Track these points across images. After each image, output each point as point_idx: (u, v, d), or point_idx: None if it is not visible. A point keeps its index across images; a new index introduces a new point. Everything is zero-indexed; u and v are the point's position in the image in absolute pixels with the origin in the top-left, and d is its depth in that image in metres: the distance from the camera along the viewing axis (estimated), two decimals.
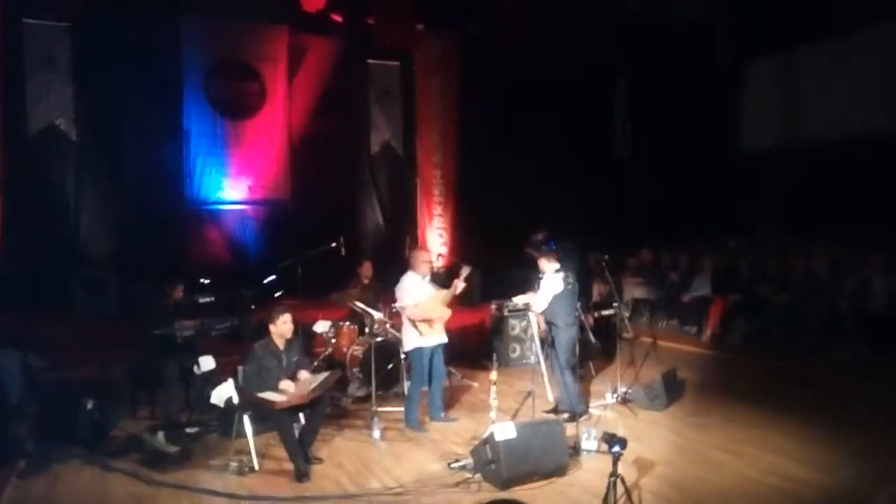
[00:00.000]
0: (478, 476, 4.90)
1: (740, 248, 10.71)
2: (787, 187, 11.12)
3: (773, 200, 11.29)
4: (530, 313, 6.37)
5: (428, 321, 6.03)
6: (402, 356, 6.67)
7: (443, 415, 6.31)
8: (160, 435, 5.61)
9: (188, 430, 5.96)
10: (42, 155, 10.29)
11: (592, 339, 7.46)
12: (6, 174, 9.87)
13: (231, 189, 11.97)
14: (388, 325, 7.12)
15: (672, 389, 6.68)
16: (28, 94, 10.23)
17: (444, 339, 6.19)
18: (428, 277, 6.21)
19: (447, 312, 6.16)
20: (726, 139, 12.46)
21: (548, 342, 6.27)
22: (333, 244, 7.85)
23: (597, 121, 13.43)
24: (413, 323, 6.02)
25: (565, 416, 6.00)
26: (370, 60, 12.78)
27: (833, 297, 8.44)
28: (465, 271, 6.04)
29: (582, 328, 6.59)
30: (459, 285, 6.02)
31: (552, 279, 6.13)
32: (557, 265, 6.19)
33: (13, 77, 10.05)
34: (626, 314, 8.69)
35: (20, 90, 10.17)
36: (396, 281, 6.18)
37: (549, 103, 12.17)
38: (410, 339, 6.09)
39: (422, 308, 6.01)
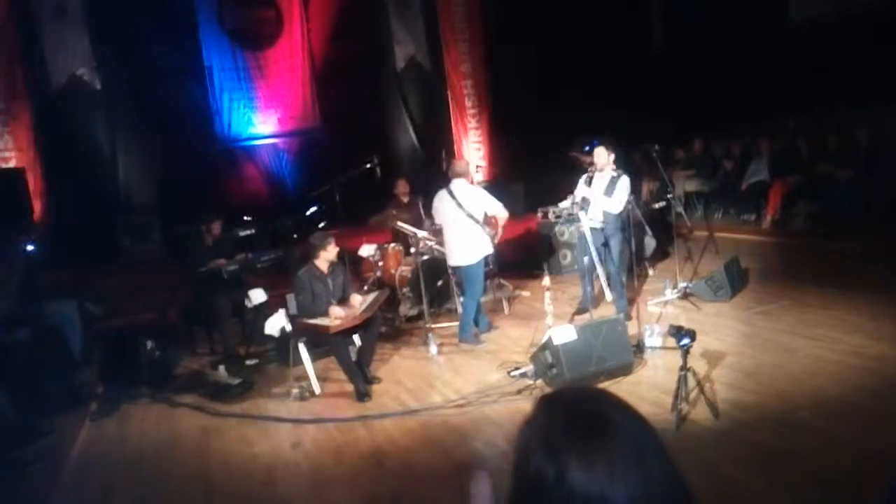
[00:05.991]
0: (539, 382, 4.79)
1: (800, 128, 10.02)
2: (843, 57, 10.23)
3: (830, 73, 10.44)
4: (580, 212, 6.04)
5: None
6: (450, 272, 6.52)
7: (489, 325, 6.26)
8: (221, 369, 5.69)
9: (248, 361, 6.06)
10: (69, 108, 10.16)
11: (649, 233, 7.16)
12: (38, 132, 9.84)
13: (261, 123, 11.79)
14: (432, 243, 6.94)
15: (735, 279, 6.38)
16: (45, 48, 10.03)
17: None
18: None
19: None
20: (772, 12, 11.46)
21: (601, 243, 6.00)
22: (368, 165, 7.62)
23: (631, 4, 12.52)
24: (492, 230, 5.92)
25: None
26: None
27: None
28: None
29: (638, 225, 6.29)
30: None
31: (620, 186, 5.86)
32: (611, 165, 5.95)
33: (28, 34, 9.84)
34: (680, 209, 8.27)
35: (37, 46, 9.97)
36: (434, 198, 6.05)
37: None
38: (482, 249, 5.91)
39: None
